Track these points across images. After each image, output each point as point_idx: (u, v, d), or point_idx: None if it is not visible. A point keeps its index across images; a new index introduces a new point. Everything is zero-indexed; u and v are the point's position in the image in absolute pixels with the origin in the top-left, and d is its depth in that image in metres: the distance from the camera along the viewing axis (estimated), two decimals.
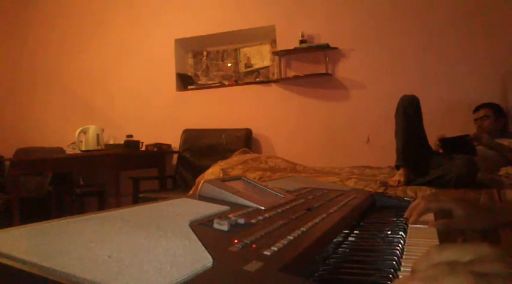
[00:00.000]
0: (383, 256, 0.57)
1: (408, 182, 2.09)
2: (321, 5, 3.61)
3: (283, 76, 3.73)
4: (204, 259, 0.36)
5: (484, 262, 0.35)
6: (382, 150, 3.12)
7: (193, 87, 4.07)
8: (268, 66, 4.06)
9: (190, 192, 2.32)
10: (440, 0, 3.33)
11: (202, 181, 0.73)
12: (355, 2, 3.53)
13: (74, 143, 3.51)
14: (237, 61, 4.22)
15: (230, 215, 0.55)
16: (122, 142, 3.52)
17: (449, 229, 0.72)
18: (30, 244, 0.37)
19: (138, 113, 4.10)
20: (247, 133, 3.67)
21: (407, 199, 1.06)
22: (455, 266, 0.35)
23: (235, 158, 2.80)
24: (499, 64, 3.15)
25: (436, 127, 2.64)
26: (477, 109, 2.86)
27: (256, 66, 4.14)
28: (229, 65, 4.25)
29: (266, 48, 4.07)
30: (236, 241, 0.43)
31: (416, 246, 0.62)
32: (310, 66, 3.61)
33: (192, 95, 4.02)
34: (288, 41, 3.61)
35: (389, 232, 0.71)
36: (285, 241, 0.45)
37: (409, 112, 2.22)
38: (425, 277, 0.34)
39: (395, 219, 0.83)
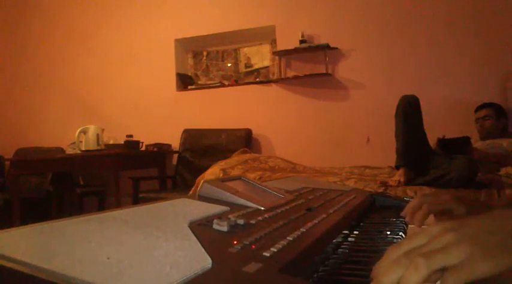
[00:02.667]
0: (383, 256, 0.57)
1: (408, 182, 2.09)
2: (321, 5, 3.61)
3: (283, 76, 3.73)
4: (203, 260, 0.36)
5: (435, 239, 0.37)
6: (382, 150, 3.12)
7: (193, 87, 4.07)
8: (268, 66, 4.05)
9: (190, 192, 2.32)
10: (440, 0, 3.33)
11: (202, 181, 0.73)
12: (355, 2, 3.53)
13: (74, 143, 3.50)
14: (237, 61, 4.22)
15: (230, 216, 0.55)
16: (122, 142, 3.51)
17: None
18: (30, 246, 0.37)
19: (138, 113, 4.10)
20: (247, 133, 3.67)
21: (407, 199, 1.06)
22: (410, 255, 0.37)
23: (235, 158, 2.80)
24: (498, 64, 3.15)
25: (436, 127, 2.64)
26: (479, 109, 2.85)
27: (256, 66, 4.14)
28: (229, 65, 4.25)
29: (266, 48, 4.07)
30: (235, 242, 0.43)
31: None
32: (310, 66, 3.61)
33: (192, 95, 4.02)
34: (288, 41, 3.60)
35: (388, 233, 0.71)
36: (284, 242, 0.45)
37: (409, 112, 2.22)
38: (385, 278, 0.36)
39: (395, 219, 0.82)
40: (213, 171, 2.45)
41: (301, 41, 3.53)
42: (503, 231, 0.36)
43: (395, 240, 0.65)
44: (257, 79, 4.03)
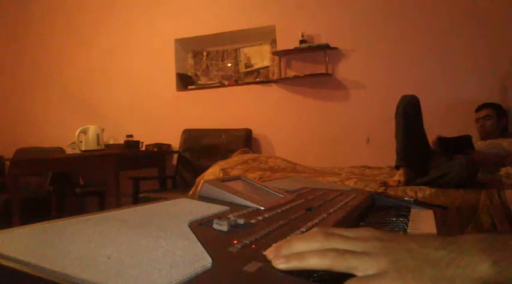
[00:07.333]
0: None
1: (408, 182, 2.09)
2: (320, 5, 3.61)
3: (283, 76, 3.73)
4: (203, 260, 0.36)
5: (360, 241, 0.38)
6: (382, 150, 3.12)
7: (193, 87, 4.07)
8: (268, 66, 4.05)
9: (190, 192, 2.32)
10: (440, 0, 3.33)
11: (202, 181, 0.73)
12: (355, 2, 3.53)
13: (74, 143, 3.50)
14: (237, 61, 4.22)
15: (230, 216, 0.55)
16: (122, 142, 3.52)
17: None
18: (30, 245, 0.37)
19: (138, 113, 4.10)
20: (247, 133, 3.67)
21: (407, 199, 1.06)
22: (329, 240, 0.37)
23: (235, 158, 2.80)
24: (499, 64, 3.15)
25: (436, 127, 2.64)
26: (479, 109, 2.85)
27: (256, 66, 4.14)
28: (229, 65, 4.25)
29: (266, 48, 4.07)
30: (235, 241, 0.43)
31: None
32: (310, 66, 3.61)
33: (192, 95, 4.02)
34: (288, 41, 3.60)
35: None
36: None
37: (409, 112, 2.21)
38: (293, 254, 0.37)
39: (395, 219, 0.83)
40: (213, 171, 2.45)
41: (301, 41, 3.53)
42: (426, 259, 0.34)
43: None
44: (257, 79, 4.03)
